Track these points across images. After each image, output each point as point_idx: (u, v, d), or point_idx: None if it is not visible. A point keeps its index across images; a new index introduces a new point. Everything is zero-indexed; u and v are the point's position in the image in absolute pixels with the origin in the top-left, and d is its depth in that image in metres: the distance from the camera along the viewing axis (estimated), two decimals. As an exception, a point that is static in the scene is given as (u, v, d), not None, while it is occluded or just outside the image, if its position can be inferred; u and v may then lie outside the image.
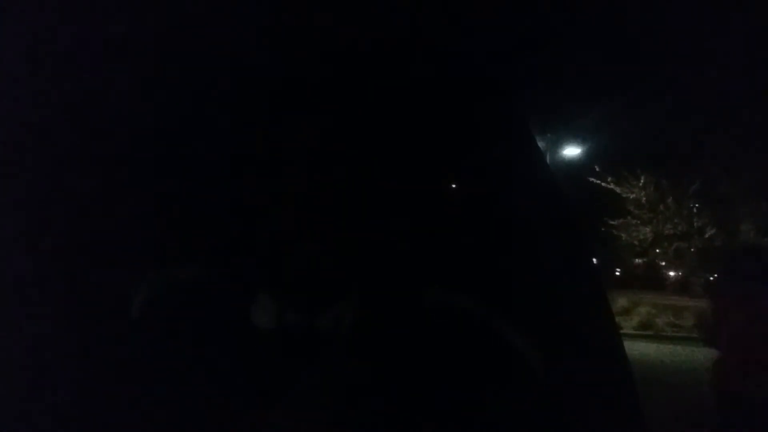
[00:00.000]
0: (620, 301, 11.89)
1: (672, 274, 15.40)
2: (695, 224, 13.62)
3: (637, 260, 15.76)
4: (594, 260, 0.95)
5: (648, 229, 14.08)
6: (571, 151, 12.59)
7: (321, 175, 0.57)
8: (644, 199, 13.90)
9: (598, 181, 13.87)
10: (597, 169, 13.76)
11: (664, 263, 15.29)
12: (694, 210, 13.66)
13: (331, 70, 0.60)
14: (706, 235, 13.48)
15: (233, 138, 0.62)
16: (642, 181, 13.78)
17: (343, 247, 0.59)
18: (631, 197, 13.97)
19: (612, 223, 14.43)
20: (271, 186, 0.58)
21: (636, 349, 8.01)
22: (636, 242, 14.46)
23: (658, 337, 10.03)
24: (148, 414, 0.55)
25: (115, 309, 0.60)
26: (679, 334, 10.22)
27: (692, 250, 13.95)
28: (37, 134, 0.64)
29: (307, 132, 0.58)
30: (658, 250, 14.59)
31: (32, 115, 0.63)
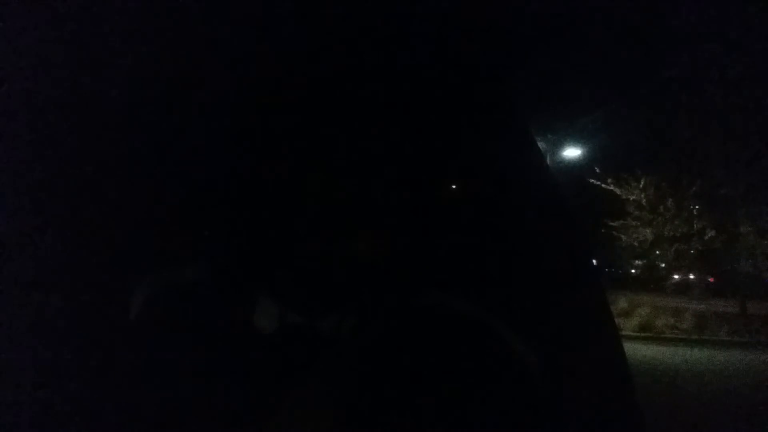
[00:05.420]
0: (620, 303, 11.90)
1: (672, 275, 15.39)
2: (695, 226, 13.60)
3: (637, 262, 15.76)
4: (594, 261, 0.95)
5: (648, 231, 14.06)
6: (572, 152, 12.60)
7: (322, 178, 0.57)
8: (644, 200, 13.88)
9: (598, 183, 13.88)
10: (597, 171, 13.79)
11: (663, 265, 15.28)
12: (694, 212, 13.64)
13: (329, 70, 0.59)
14: (706, 237, 13.47)
15: (236, 140, 0.62)
16: (642, 182, 13.77)
17: (345, 249, 0.58)
18: (631, 199, 13.96)
19: (612, 224, 14.43)
20: (273, 188, 0.58)
21: (635, 350, 8.01)
22: (636, 244, 14.44)
23: (657, 339, 10.03)
24: (148, 416, 0.55)
25: (115, 311, 0.60)
26: (679, 336, 10.23)
27: (692, 252, 13.93)
28: (38, 134, 0.64)
29: (307, 134, 0.58)
30: (658, 252, 14.58)
31: (33, 114, 0.63)
